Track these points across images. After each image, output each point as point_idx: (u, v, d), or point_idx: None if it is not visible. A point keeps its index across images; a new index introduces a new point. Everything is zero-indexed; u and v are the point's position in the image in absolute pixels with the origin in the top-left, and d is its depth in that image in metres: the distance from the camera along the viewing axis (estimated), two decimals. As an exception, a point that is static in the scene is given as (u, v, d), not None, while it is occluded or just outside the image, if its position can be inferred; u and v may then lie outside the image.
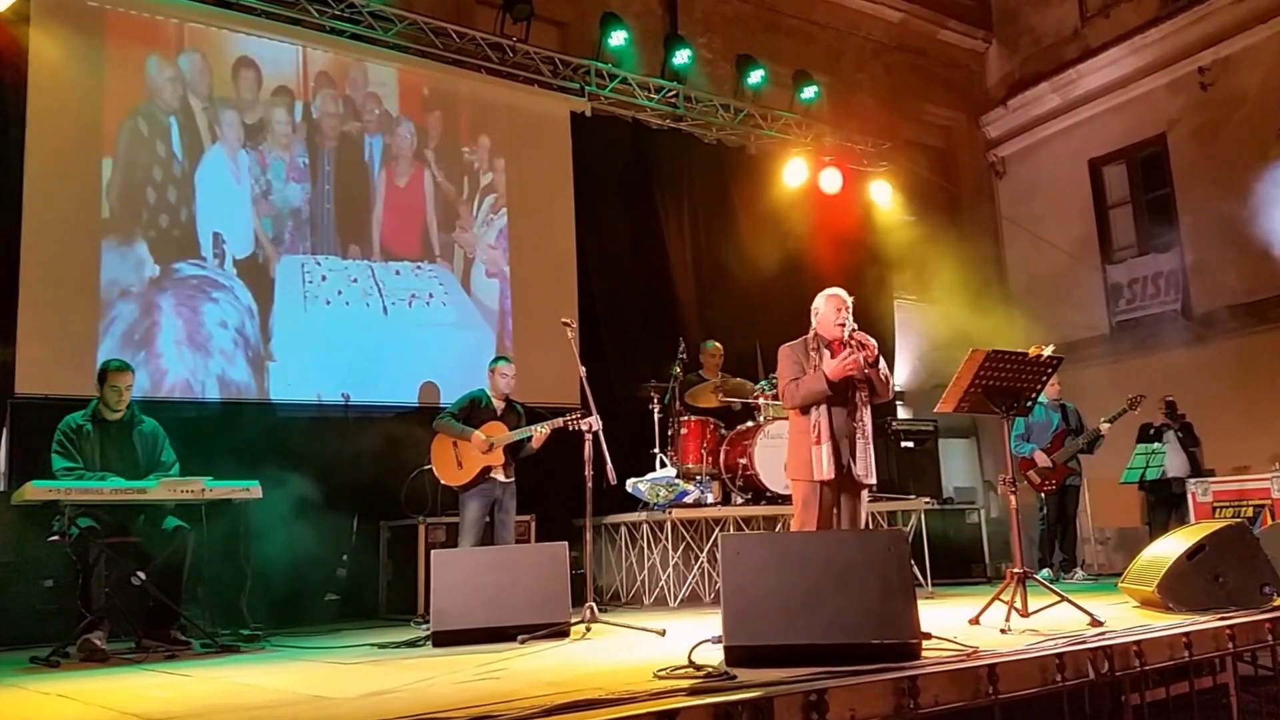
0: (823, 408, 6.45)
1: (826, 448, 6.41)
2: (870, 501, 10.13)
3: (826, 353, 6.54)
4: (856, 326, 6.55)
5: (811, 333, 6.65)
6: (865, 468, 6.47)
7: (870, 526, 7.44)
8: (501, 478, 8.48)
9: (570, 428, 7.91)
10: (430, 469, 8.65)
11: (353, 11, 10.46)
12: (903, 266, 15.17)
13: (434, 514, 9.27)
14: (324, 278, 10.15)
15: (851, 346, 6.46)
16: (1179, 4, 14.87)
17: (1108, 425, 10.53)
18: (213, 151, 9.77)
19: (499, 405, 8.66)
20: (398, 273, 10.57)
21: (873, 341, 6.49)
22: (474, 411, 8.56)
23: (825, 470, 6.39)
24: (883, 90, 16.24)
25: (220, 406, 9.37)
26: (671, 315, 12.13)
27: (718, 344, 10.94)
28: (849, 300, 6.64)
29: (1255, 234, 13.73)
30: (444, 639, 6.43)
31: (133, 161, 9.36)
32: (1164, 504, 11.20)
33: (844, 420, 6.47)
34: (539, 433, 8.31)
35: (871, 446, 6.55)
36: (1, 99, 8.77)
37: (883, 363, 6.57)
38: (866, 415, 6.55)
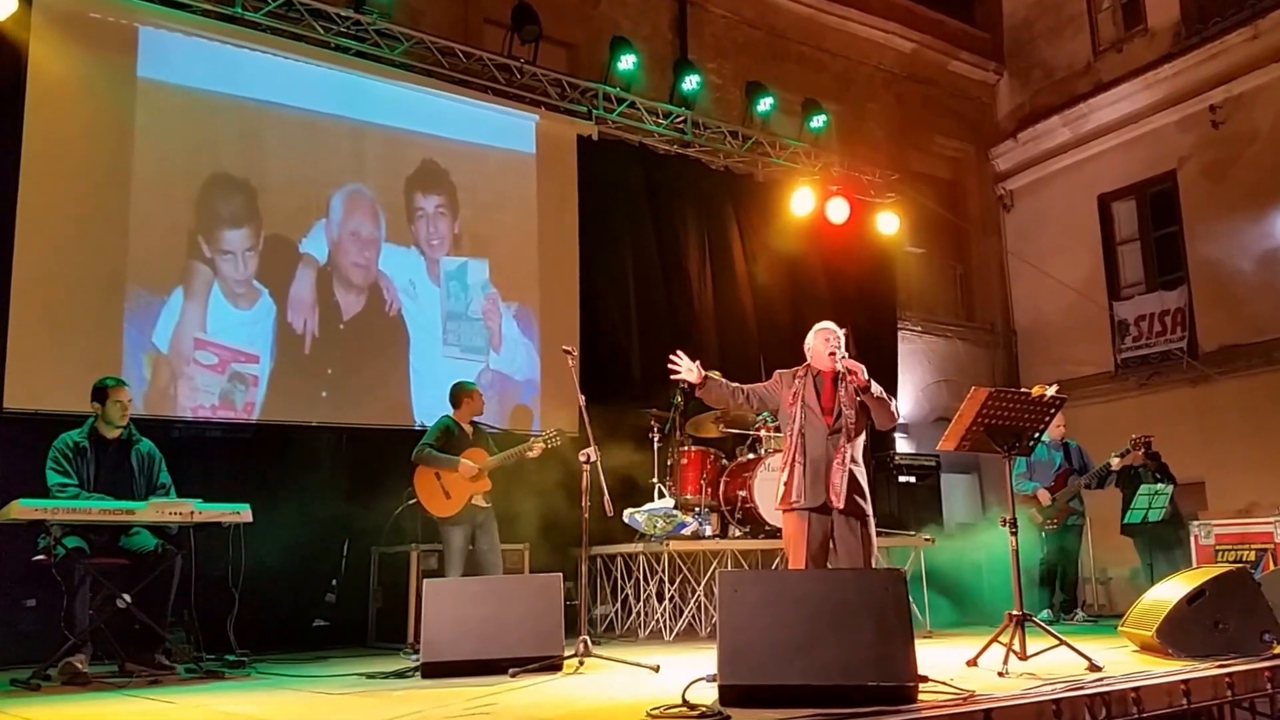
0: (797, 431, 6.44)
1: (797, 471, 6.39)
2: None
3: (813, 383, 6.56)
4: (847, 355, 6.51)
5: (804, 366, 6.61)
6: (838, 494, 6.33)
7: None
8: (482, 503, 8.41)
9: (549, 446, 8.21)
10: (415, 502, 8.57)
11: (358, 29, 10.37)
12: (908, 298, 15.19)
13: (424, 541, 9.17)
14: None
15: (842, 372, 6.45)
16: (1191, 41, 14.86)
17: (1119, 460, 10.43)
18: (218, 172, 9.66)
19: (469, 430, 8.60)
20: (398, 294, 10.44)
21: (860, 366, 6.44)
22: (449, 440, 8.46)
23: (794, 495, 6.36)
24: (892, 120, 16.24)
25: (212, 427, 9.27)
26: (675, 342, 11.92)
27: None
28: (840, 333, 6.63)
29: (1264, 273, 13.71)
30: (434, 670, 6.33)
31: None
32: (1148, 545, 11.07)
33: (820, 444, 6.41)
34: (531, 454, 8.37)
35: (856, 474, 6.42)
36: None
37: (878, 388, 6.50)
38: (854, 442, 6.46)
